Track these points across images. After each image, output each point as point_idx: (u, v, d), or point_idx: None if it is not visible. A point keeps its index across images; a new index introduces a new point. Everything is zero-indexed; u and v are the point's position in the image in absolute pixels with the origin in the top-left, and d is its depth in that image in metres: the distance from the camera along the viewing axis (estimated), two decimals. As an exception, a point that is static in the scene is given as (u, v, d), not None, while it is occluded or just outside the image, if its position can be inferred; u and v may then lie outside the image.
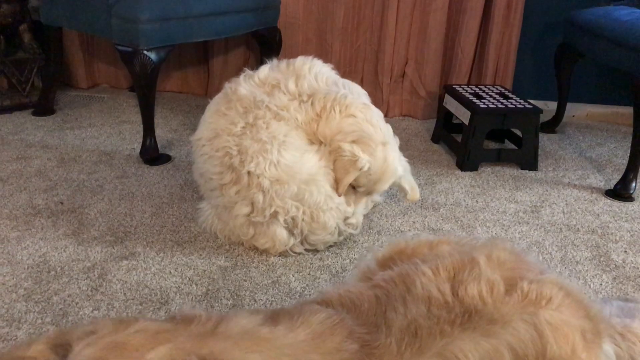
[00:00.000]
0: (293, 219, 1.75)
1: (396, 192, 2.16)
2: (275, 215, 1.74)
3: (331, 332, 0.87)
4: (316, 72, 1.86)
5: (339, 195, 1.81)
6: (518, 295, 0.96)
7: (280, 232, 1.77)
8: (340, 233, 1.86)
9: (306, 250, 1.83)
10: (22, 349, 0.83)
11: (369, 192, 1.89)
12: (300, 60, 1.89)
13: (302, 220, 1.76)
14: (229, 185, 1.76)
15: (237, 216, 1.78)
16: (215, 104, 1.86)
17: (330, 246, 1.87)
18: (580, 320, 0.98)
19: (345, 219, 1.86)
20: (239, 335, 0.84)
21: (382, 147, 1.79)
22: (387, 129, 1.86)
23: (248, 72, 1.89)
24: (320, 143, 1.79)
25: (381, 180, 1.83)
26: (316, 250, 1.85)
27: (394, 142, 1.87)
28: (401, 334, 0.89)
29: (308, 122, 1.79)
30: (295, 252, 1.82)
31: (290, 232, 1.78)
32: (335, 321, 0.89)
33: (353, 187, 1.85)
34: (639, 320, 1.27)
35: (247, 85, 1.83)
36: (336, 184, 1.81)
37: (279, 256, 1.81)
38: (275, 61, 1.90)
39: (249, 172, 1.71)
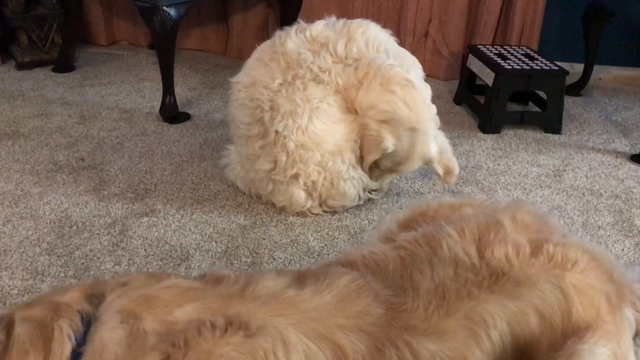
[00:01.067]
0: (313, 182, 1.75)
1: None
2: (296, 176, 1.74)
3: (357, 295, 0.87)
4: (368, 36, 1.79)
5: (364, 171, 1.82)
6: (544, 258, 0.96)
7: (299, 194, 1.76)
8: (360, 198, 1.85)
9: (324, 211, 1.83)
10: (58, 294, 0.86)
11: (392, 172, 1.87)
12: (356, 22, 1.82)
13: (322, 185, 1.75)
14: (256, 138, 1.76)
15: (258, 170, 1.79)
16: (261, 52, 1.83)
17: (349, 208, 1.87)
18: (605, 283, 0.98)
19: (367, 187, 1.85)
20: (265, 297, 0.85)
21: (411, 132, 1.74)
22: (430, 109, 1.79)
23: (302, 24, 1.83)
24: (356, 112, 1.76)
25: (405, 164, 1.81)
26: (335, 212, 1.84)
27: (431, 124, 1.78)
28: (429, 297, 0.89)
29: (348, 87, 1.75)
30: (313, 213, 1.81)
31: (309, 195, 1.77)
32: (360, 284, 0.89)
33: (377, 165, 1.84)
34: None
35: (297, 39, 1.79)
36: (361, 159, 1.81)
37: (298, 216, 1.81)
38: (333, 18, 1.85)
39: (276, 131, 1.71)
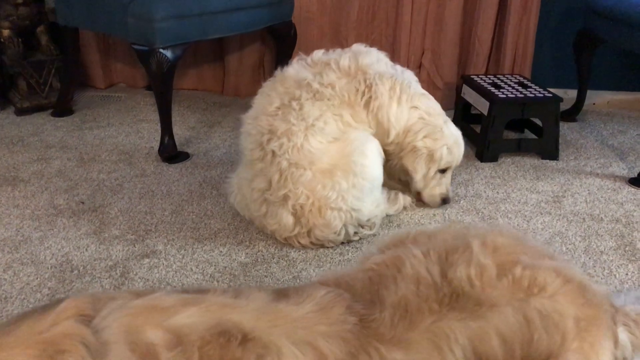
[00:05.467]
0: (301, 206, 1.77)
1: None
2: (285, 199, 1.76)
3: (333, 305, 0.91)
4: (371, 53, 1.97)
5: (422, 185, 2.03)
6: (509, 281, 0.96)
7: (287, 217, 1.78)
8: (348, 235, 1.85)
9: (312, 244, 1.82)
10: (45, 321, 0.76)
11: (448, 168, 2.06)
12: (356, 45, 2.00)
13: (310, 211, 1.77)
14: (257, 161, 1.82)
15: (254, 189, 1.84)
16: (264, 85, 1.95)
17: (350, 241, 1.86)
18: (578, 307, 0.96)
19: (357, 221, 1.85)
20: (259, 309, 0.88)
21: (445, 126, 1.98)
22: (437, 105, 2.03)
23: (302, 55, 1.97)
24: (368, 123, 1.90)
25: (460, 149, 2.04)
26: (323, 246, 1.83)
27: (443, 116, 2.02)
28: (393, 309, 0.93)
29: (356, 98, 1.87)
30: (301, 244, 1.82)
31: (297, 220, 1.78)
32: (335, 296, 0.93)
33: (441, 172, 2.03)
34: None
35: (297, 65, 1.91)
36: (410, 178, 2.03)
37: (299, 250, 1.81)
38: (331, 50, 1.99)
39: (272, 151, 1.77)
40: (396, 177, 2.10)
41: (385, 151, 1.95)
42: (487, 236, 1.05)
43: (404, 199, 2.06)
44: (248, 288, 0.96)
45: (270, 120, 1.80)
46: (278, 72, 1.92)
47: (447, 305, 0.93)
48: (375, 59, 1.95)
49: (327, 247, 1.82)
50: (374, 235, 1.91)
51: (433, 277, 0.97)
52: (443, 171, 2.05)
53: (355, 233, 1.87)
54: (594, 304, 1.00)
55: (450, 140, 1.99)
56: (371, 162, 1.84)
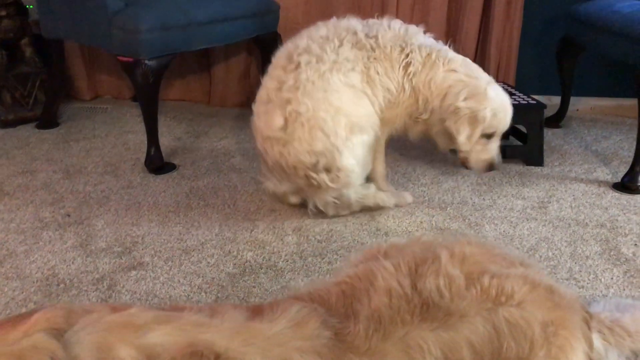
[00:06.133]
0: (297, 115, 1.88)
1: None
2: (288, 102, 1.89)
3: (307, 319, 0.91)
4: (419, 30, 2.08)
5: (467, 148, 2.02)
6: (477, 291, 0.97)
7: (278, 118, 1.90)
8: (311, 180, 1.92)
9: (278, 160, 1.92)
10: (13, 332, 0.75)
11: (496, 134, 2.04)
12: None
13: (301, 123, 1.87)
14: (278, 68, 1.97)
15: (263, 88, 2.00)
16: (320, 23, 2.06)
17: (339, 250, 1.87)
18: (546, 312, 0.97)
19: (333, 166, 1.92)
20: (234, 328, 0.87)
21: (490, 88, 1.96)
22: (479, 69, 2.03)
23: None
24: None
25: (507, 113, 2.01)
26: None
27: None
28: (367, 321, 0.94)
29: (399, 56, 1.95)
30: (270, 152, 1.94)
31: (285, 125, 1.89)
32: (309, 311, 0.94)
33: (487, 137, 2.01)
34: (629, 315, 1.27)
35: (354, 20, 2.04)
36: (454, 143, 2.02)
37: (287, 260, 1.81)
38: None
39: (299, 63, 1.91)
40: (442, 146, 2.12)
41: (419, 121, 2.03)
42: (455, 246, 1.06)
43: (385, 197, 2.09)
44: (224, 306, 0.95)
45: (309, 43, 1.94)
46: (334, 19, 2.04)
47: (418, 316, 0.94)
48: (422, 34, 2.04)
49: (320, 256, 1.83)
50: (345, 215, 1.98)
51: (404, 288, 0.98)
52: (490, 137, 2.03)
53: (316, 185, 1.93)
54: (562, 306, 1.01)
55: (495, 103, 1.97)
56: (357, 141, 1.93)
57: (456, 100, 1.94)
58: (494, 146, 2.06)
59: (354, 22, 2.01)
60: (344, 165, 1.92)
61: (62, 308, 0.83)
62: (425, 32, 2.06)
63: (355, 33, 1.97)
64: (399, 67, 1.95)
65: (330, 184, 1.93)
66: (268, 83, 1.98)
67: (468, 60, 2.03)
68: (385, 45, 1.94)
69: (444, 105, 1.95)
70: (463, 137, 1.98)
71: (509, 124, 2.04)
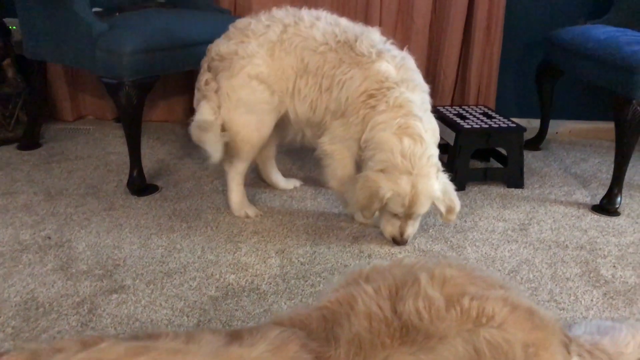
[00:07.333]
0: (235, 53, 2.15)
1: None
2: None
3: (287, 343, 0.92)
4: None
5: (365, 220, 2.08)
6: (457, 312, 0.98)
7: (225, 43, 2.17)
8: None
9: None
10: None
11: (408, 216, 1.97)
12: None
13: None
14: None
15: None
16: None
17: (322, 272, 1.87)
18: (526, 333, 0.99)
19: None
20: (212, 353, 0.86)
21: (407, 176, 1.91)
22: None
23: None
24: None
25: (415, 205, 1.95)
26: (306, 278, 1.84)
27: (431, 168, 1.95)
28: (348, 345, 0.94)
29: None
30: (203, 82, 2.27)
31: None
32: (289, 334, 0.94)
33: (395, 214, 1.99)
34: (609, 337, 1.28)
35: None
36: (362, 210, 2.01)
37: (270, 283, 1.80)
38: None
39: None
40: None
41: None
42: (435, 268, 1.07)
43: (285, 182, 2.49)
44: (201, 332, 0.95)
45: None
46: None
47: (398, 339, 0.95)
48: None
49: (303, 279, 1.82)
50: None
51: (384, 312, 0.98)
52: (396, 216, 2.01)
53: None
54: (542, 327, 1.02)
55: (404, 189, 1.91)
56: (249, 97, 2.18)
57: (370, 165, 1.99)
58: (405, 224, 2.01)
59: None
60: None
61: (28, 352, 0.81)
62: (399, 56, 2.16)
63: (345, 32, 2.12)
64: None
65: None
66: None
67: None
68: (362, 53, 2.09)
69: (365, 150, 2.02)
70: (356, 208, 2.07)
71: (420, 212, 1.99)
